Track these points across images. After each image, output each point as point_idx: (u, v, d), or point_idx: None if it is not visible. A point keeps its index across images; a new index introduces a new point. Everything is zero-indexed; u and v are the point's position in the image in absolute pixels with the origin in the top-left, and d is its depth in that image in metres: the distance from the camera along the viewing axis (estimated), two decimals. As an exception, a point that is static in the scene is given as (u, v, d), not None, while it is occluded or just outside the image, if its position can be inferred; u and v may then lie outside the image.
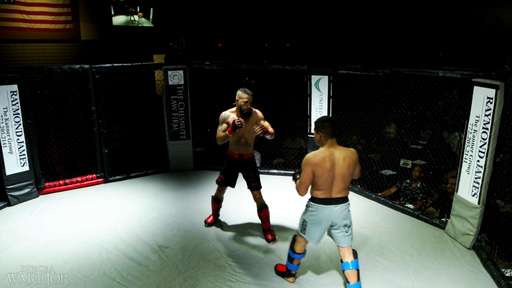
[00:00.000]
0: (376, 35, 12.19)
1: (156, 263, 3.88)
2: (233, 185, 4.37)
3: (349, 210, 3.25)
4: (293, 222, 4.63)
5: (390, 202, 5.18)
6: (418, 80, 4.89)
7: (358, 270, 3.24)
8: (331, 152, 3.10)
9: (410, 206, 5.13)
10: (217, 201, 4.57)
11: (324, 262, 3.89)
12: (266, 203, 4.36)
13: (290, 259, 3.50)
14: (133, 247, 4.16)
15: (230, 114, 4.09)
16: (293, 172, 3.39)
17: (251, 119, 4.10)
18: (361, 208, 5.14)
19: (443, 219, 4.67)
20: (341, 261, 3.29)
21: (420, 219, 4.77)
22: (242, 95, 4.01)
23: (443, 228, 4.51)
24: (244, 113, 4.05)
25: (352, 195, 5.48)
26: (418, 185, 5.22)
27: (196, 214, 4.95)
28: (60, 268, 3.79)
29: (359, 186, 5.75)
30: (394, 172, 5.71)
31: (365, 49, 11.51)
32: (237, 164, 4.26)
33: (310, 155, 3.12)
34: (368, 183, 5.65)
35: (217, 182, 4.43)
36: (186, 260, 3.92)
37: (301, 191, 3.18)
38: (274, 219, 4.56)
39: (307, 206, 3.29)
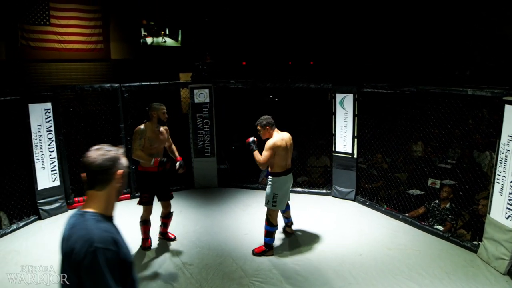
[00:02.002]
0: (401, 52, 12.09)
1: (180, 281, 3.88)
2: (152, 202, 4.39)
3: None
4: (319, 242, 4.56)
5: (418, 223, 5.04)
6: (446, 98, 4.80)
7: None
8: (282, 135, 4.26)
9: (440, 227, 4.97)
10: (147, 223, 4.45)
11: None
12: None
13: (270, 233, 4.32)
14: (158, 264, 4.19)
15: (146, 128, 4.23)
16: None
17: (165, 129, 4.42)
18: (388, 229, 5.02)
19: (475, 242, 4.49)
20: (287, 217, 4.82)
21: (451, 241, 4.61)
22: (159, 107, 4.30)
23: (475, 251, 4.33)
24: (163, 123, 4.33)
25: (378, 215, 5.42)
26: (448, 206, 5.06)
27: (220, 232, 4.95)
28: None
29: (385, 206, 5.63)
30: (422, 192, 5.56)
31: (391, 67, 11.41)
32: (156, 177, 4.31)
33: (272, 140, 4.15)
34: (395, 203, 5.52)
35: (143, 203, 4.33)
36: (210, 278, 3.91)
37: (263, 165, 4.18)
38: (299, 238, 4.51)
39: (274, 182, 4.23)
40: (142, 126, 4.21)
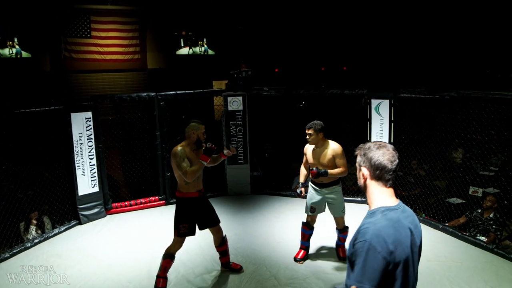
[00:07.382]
0: (440, 55, 11.70)
1: (214, 287, 3.90)
2: (195, 232, 3.80)
3: None
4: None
5: (460, 233, 4.81)
6: (490, 103, 4.58)
7: None
8: None
9: (483, 238, 4.73)
10: (173, 258, 3.81)
11: None
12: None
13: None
14: (192, 270, 4.23)
15: (184, 149, 3.68)
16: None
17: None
18: (427, 239, 4.79)
19: (522, 255, 4.24)
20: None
21: (495, 253, 4.37)
22: (200, 126, 3.75)
23: (523, 264, 4.09)
24: (200, 145, 3.75)
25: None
26: (491, 216, 4.81)
27: (253, 239, 4.94)
28: (124, 287, 3.94)
29: (424, 215, 5.43)
30: (463, 201, 5.33)
31: (429, 71, 11.06)
32: (197, 203, 3.78)
33: (340, 146, 4.07)
34: (434, 212, 5.31)
35: (181, 234, 3.69)
36: (243, 286, 3.90)
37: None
38: (332, 247, 4.42)
39: (340, 188, 4.19)
40: (179, 147, 3.67)
